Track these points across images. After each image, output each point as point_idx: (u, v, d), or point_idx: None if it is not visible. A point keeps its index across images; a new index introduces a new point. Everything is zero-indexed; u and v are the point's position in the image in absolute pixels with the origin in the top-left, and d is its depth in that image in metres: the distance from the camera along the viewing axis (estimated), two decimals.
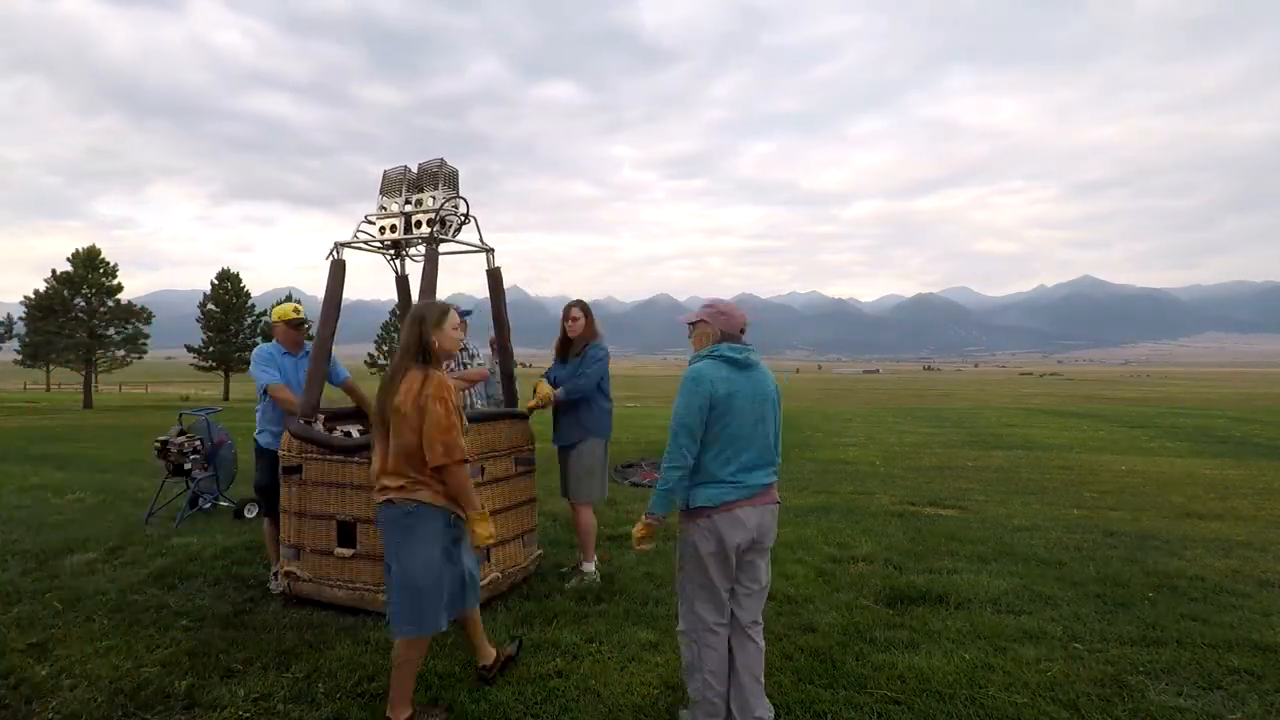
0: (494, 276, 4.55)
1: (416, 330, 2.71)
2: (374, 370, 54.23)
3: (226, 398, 45.58)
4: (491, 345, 4.87)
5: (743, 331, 2.71)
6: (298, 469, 3.93)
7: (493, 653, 3.06)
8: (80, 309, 35.14)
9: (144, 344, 37.34)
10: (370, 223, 4.44)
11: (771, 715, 2.68)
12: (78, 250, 35.07)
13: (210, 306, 45.80)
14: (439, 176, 4.25)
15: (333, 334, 4.22)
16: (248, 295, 46.80)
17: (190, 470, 6.17)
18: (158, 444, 6.18)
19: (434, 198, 4.21)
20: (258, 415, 4.31)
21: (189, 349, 46.40)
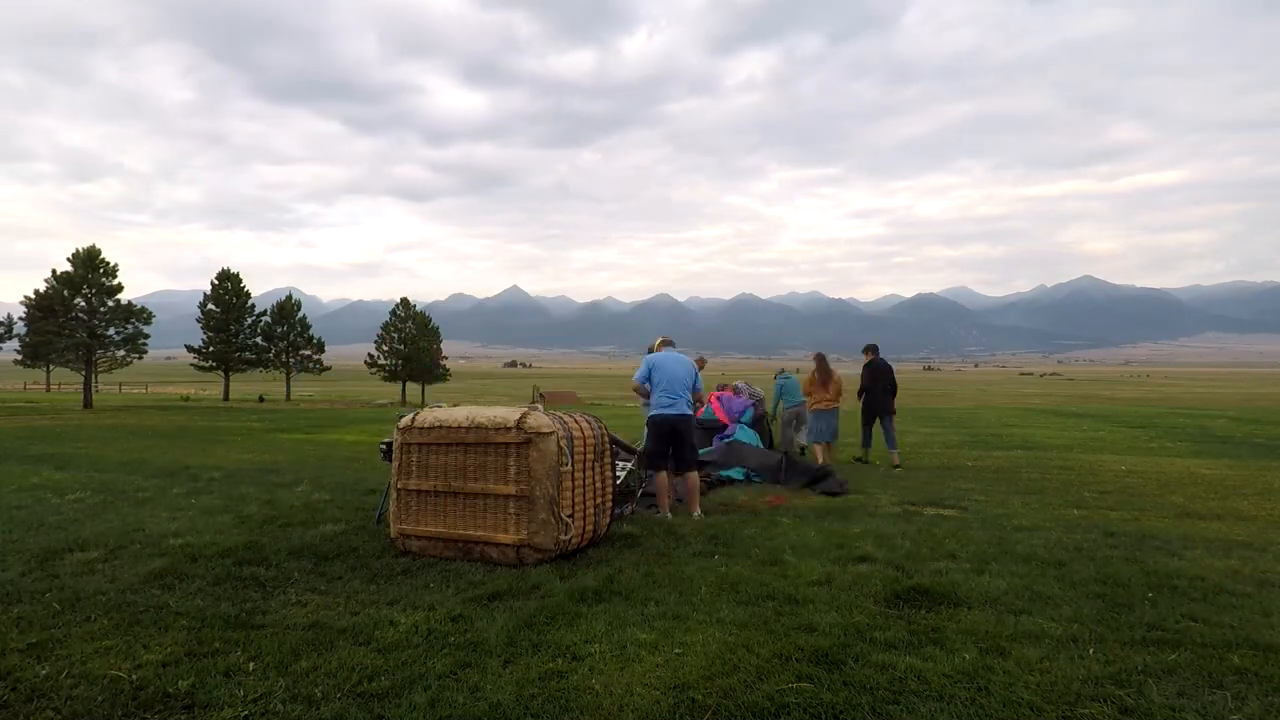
0: None
1: None
2: (374, 370, 54.24)
3: (227, 398, 45.59)
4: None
5: None
6: None
7: None
8: (80, 309, 35.13)
9: (144, 344, 37.33)
10: None
11: None
12: (78, 250, 35.06)
13: (210, 307, 45.80)
14: None
15: None
16: (248, 295, 46.81)
17: None
18: (383, 446, 6.34)
19: None
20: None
21: (189, 349, 46.40)
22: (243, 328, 46.54)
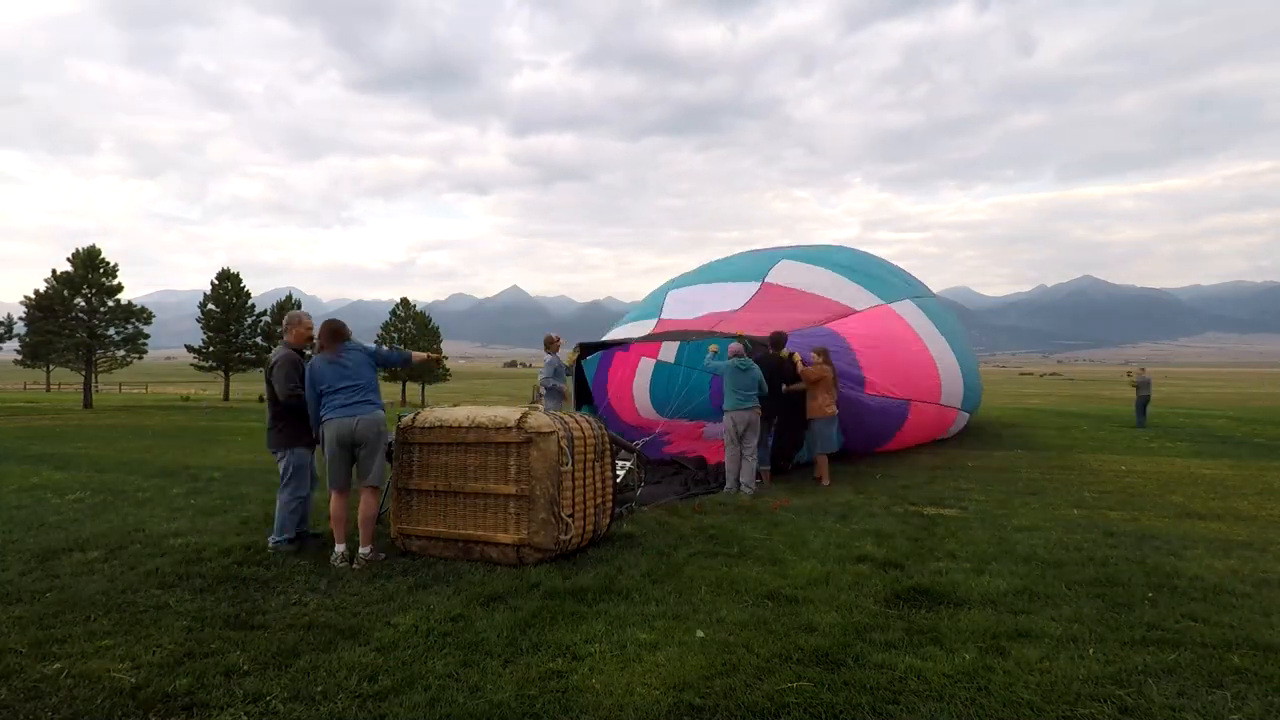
0: None
1: None
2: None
3: (227, 398, 45.57)
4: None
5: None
6: None
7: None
8: (80, 309, 35.11)
9: (144, 344, 37.30)
10: None
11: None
12: (78, 250, 35.03)
13: (210, 306, 45.80)
14: None
15: None
16: (248, 295, 46.80)
17: None
18: (387, 446, 6.04)
19: None
20: None
21: (189, 349, 46.39)
22: (243, 328, 46.53)
